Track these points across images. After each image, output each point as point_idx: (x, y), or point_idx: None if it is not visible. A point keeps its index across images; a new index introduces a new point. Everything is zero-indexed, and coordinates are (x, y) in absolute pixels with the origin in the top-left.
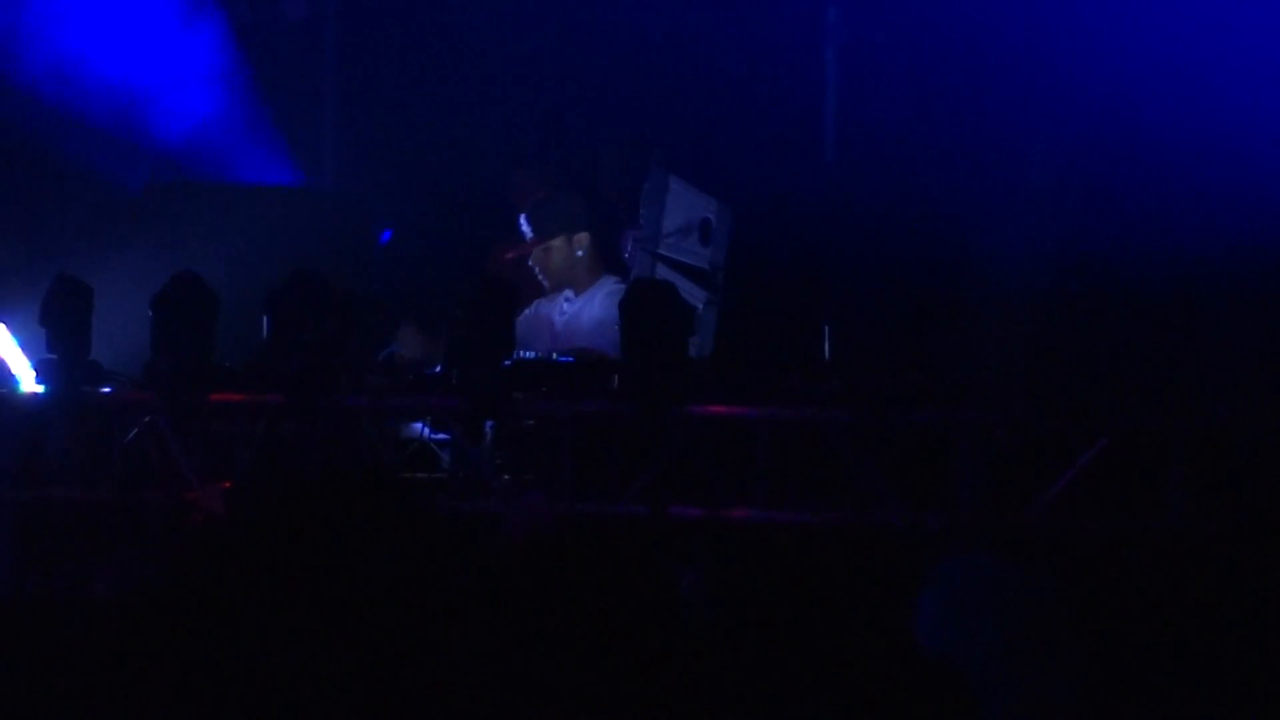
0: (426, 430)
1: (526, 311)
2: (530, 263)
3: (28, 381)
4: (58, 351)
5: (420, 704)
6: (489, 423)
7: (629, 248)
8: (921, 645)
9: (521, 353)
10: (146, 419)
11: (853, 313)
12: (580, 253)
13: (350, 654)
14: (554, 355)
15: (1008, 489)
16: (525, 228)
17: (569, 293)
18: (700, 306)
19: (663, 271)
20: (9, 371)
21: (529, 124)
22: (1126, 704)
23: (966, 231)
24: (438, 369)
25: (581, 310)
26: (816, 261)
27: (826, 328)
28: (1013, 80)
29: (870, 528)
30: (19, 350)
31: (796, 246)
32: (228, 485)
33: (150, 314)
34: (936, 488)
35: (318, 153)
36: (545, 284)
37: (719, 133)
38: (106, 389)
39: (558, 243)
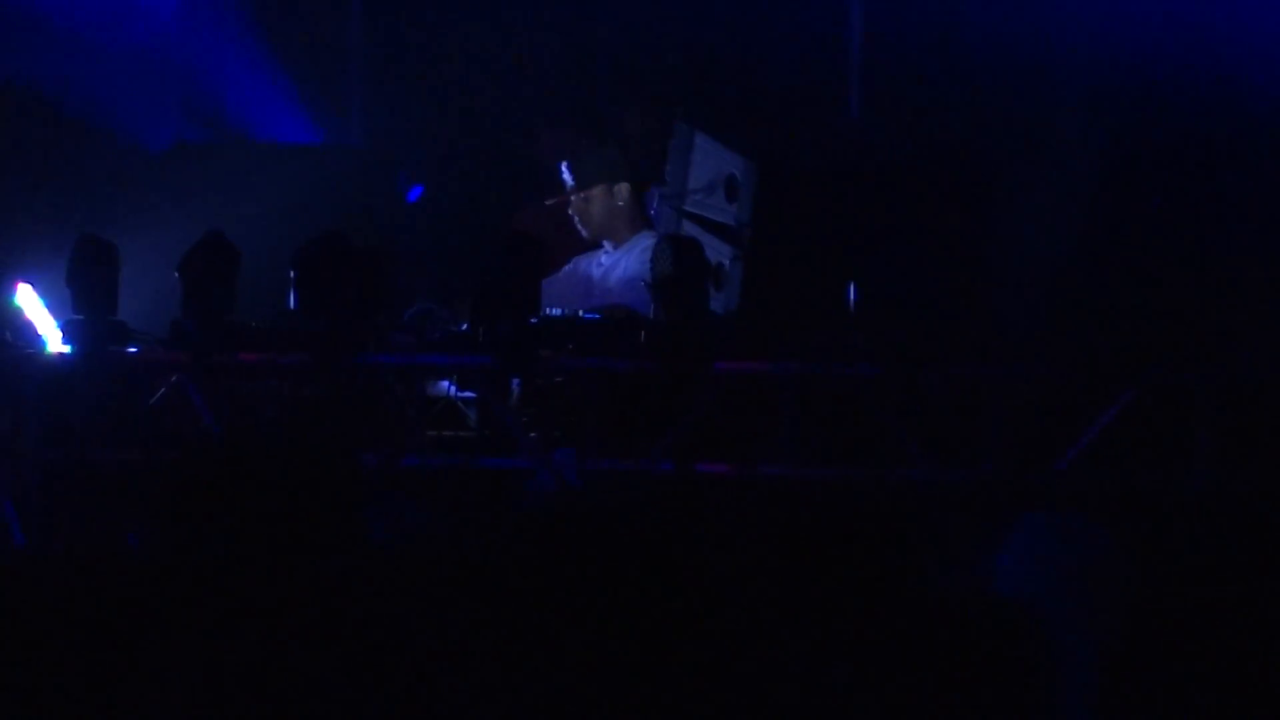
0: (453, 389)
1: (566, 268)
2: (570, 212)
3: (54, 342)
4: (83, 312)
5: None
6: (516, 380)
7: (654, 205)
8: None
9: (548, 309)
10: (173, 379)
11: (879, 267)
12: (620, 203)
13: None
14: (580, 313)
15: (1035, 443)
16: (566, 176)
17: (608, 244)
18: (726, 263)
19: (688, 228)
20: (36, 332)
21: (557, 80)
22: (1153, 663)
23: (993, 185)
24: (464, 327)
25: (618, 263)
26: (842, 216)
27: (852, 283)
28: (1040, 34)
29: (897, 483)
30: (45, 311)
31: (822, 202)
32: None
33: (178, 275)
34: (964, 442)
35: (345, 110)
36: (585, 234)
37: (745, 89)
38: (133, 349)
39: (598, 192)
